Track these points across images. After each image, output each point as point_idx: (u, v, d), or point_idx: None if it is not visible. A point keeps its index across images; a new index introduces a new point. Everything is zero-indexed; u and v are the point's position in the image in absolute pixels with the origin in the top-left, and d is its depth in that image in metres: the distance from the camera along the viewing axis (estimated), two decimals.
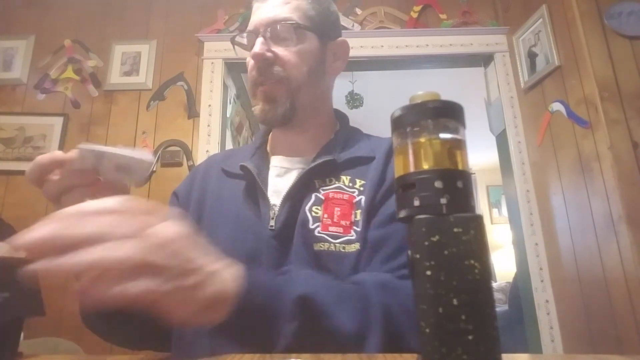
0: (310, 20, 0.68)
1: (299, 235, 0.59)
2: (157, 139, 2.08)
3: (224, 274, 0.39)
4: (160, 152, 2.05)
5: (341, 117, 0.78)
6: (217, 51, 2.19)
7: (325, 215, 0.60)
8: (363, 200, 0.61)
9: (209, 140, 2.06)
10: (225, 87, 2.20)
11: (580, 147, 1.65)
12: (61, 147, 2.06)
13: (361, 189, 0.63)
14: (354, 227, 0.59)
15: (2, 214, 1.95)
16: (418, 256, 0.29)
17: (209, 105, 2.11)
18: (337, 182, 0.64)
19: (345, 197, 0.62)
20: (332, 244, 0.58)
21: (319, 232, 0.59)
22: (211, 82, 2.15)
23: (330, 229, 0.59)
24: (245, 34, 0.70)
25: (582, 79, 1.65)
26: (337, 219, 0.60)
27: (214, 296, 0.37)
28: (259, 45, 0.64)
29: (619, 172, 1.47)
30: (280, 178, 0.68)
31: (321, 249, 0.58)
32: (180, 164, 2.04)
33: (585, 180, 1.61)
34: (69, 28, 2.26)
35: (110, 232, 0.32)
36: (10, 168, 2.02)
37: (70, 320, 1.80)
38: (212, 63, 2.18)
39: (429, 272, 0.28)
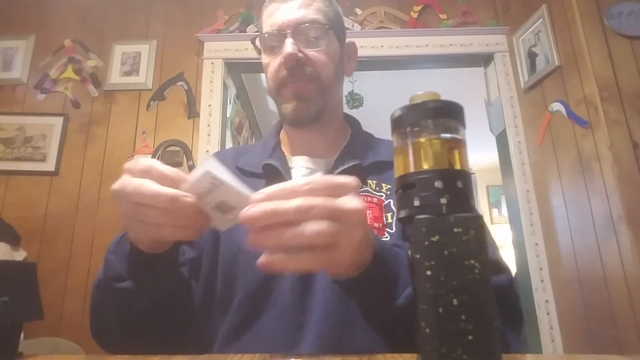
0: (331, 21, 0.69)
1: None
2: (157, 139, 2.08)
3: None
4: (160, 152, 2.05)
5: (352, 120, 0.80)
6: (217, 51, 2.19)
7: None
8: (392, 204, 0.63)
9: (209, 140, 2.06)
10: (225, 87, 2.20)
11: (580, 147, 1.65)
12: (61, 147, 2.06)
13: (388, 192, 0.65)
14: (387, 229, 0.61)
15: (2, 214, 1.96)
16: (418, 256, 0.29)
17: (209, 105, 2.11)
18: (364, 186, 0.66)
19: (375, 200, 0.64)
20: None
21: None
22: (211, 82, 2.15)
23: None
24: (265, 35, 0.68)
25: (582, 79, 1.65)
26: (371, 221, 0.62)
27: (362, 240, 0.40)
28: (290, 46, 0.64)
29: (619, 172, 1.47)
30: (306, 178, 0.68)
31: None
32: (180, 164, 2.04)
33: (585, 180, 1.61)
34: (69, 28, 2.26)
35: (309, 212, 0.35)
36: (10, 168, 2.02)
37: (70, 320, 1.80)
38: (212, 63, 2.17)
39: (429, 272, 0.28)
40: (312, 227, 0.34)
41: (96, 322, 0.55)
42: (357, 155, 0.68)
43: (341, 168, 0.65)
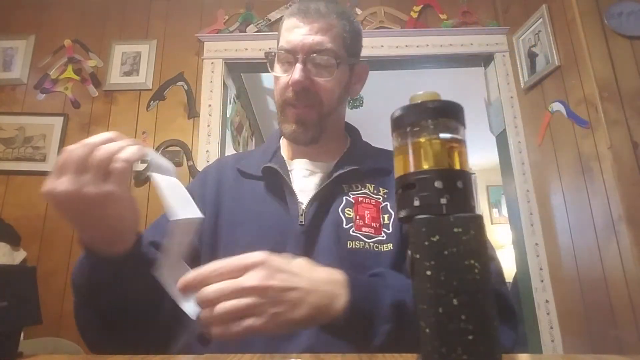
0: (347, 49, 0.70)
1: (332, 233, 0.63)
2: (157, 139, 2.08)
3: (327, 289, 0.47)
4: (160, 152, 2.05)
5: (351, 129, 0.83)
6: (217, 51, 2.19)
7: (358, 217, 0.65)
8: (389, 207, 0.67)
9: (209, 140, 2.06)
10: (225, 87, 2.20)
11: (580, 147, 1.65)
12: (61, 147, 2.05)
13: (385, 196, 0.68)
14: (384, 229, 0.64)
15: (2, 214, 1.95)
16: (418, 256, 0.29)
17: (209, 105, 2.11)
18: (363, 189, 0.69)
19: (373, 202, 0.67)
20: (366, 243, 0.63)
21: (353, 232, 0.64)
22: (211, 82, 2.15)
23: (364, 229, 0.64)
24: (280, 52, 0.70)
25: (582, 79, 1.64)
26: (368, 221, 0.65)
27: (312, 311, 0.45)
28: (298, 72, 0.66)
29: (619, 172, 1.47)
30: (305, 179, 0.72)
31: (356, 247, 0.62)
32: (180, 164, 2.04)
33: (585, 180, 1.61)
34: (69, 28, 2.25)
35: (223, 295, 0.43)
36: (10, 168, 2.02)
37: (70, 320, 1.80)
38: (212, 63, 2.17)
39: (429, 272, 0.28)
40: (227, 305, 0.41)
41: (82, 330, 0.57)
42: (356, 161, 0.71)
43: (340, 171, 0.68)
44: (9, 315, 0.41)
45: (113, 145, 0.45)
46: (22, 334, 0.47)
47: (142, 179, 1.99)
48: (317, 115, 0.69)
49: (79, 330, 0.57)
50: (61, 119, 2.10)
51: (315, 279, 0.47)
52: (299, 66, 0.66)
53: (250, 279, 0.43)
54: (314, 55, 0.66)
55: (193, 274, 0.44)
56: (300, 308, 0.44)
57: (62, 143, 2.07)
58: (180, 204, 0.48)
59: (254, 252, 0.45)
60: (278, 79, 0.70)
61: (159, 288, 0.50)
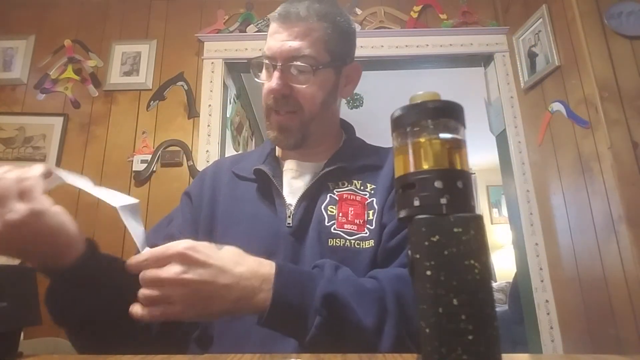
0: (329, 53, 0.68)
1: (315, 231, 0.63)
2: (157, 139, 2.08)
3: (247, 284, 0.48)
4: (160, 152, 2.05)
5: (347, 127, 0.82)
6: (217, 51, 2.19)
7: (340, 214, 0.65)
8: (375, 202, 0.66)
9: (209, 140, 2.06)
10: (225, 87, 2.20)
11: (580, 147, 1.65)
12: (61, 147, 2.06)
13: (372, 192, 0.68)
14: (367, 226, 0.64)
15: None
16: (418, 256, 0.29)
17: (209, 105, 2.11)
18: (349, 185, 0.69)
19: (358, 198, 0.67)
20: (347, 240, 0.62)
21: (334, 229, 0.63)
22: (211, 82, 2.15)
23: (346, 226, 0.64)
24: (261, 58, 0.70)
25: (582, 79, 1.64)
26: (352, 217, 0.65)
27: (229, 305, 0.47)
28: (275, 80, 0.66)
29: (619, 172, 1.47)
30: (295, 180, 0.72)
31: (337, 244, 0.62)
32: (180, 164, 2.04)
33: (585, 180, 1.61)
34: (69, 28, 2.25)
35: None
36: None
37: None
38: (212, 63, 2.17)
39: (429, 272, 0.28)
40: (145, 292, 0.45)
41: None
42: (345, 159, 0.71)
43: (327, 169, 0.69)
44: (9, 315, 0.41)
45: (12, 172, 0.46)
46: (22, 334, 0.47)
47: (141, 179, 1.99)
48: (299, 122, 0.69)
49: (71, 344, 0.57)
50: (61, 119, 2.10)
51: (237, 272, 0.47)
52: (276, 74, 0.66)
53: (167, 272, 0.45)
54: (293, 62, 0.66)
55: (132, 259, 0.48)
56: (215, 302, 0.46)
57: (62, 143, 2.07)
58: (114, 196, 0.51)
59: (180, 241, 0.47)
60: (263, 85, 0.70)
61: (129, 287, 0.48)
